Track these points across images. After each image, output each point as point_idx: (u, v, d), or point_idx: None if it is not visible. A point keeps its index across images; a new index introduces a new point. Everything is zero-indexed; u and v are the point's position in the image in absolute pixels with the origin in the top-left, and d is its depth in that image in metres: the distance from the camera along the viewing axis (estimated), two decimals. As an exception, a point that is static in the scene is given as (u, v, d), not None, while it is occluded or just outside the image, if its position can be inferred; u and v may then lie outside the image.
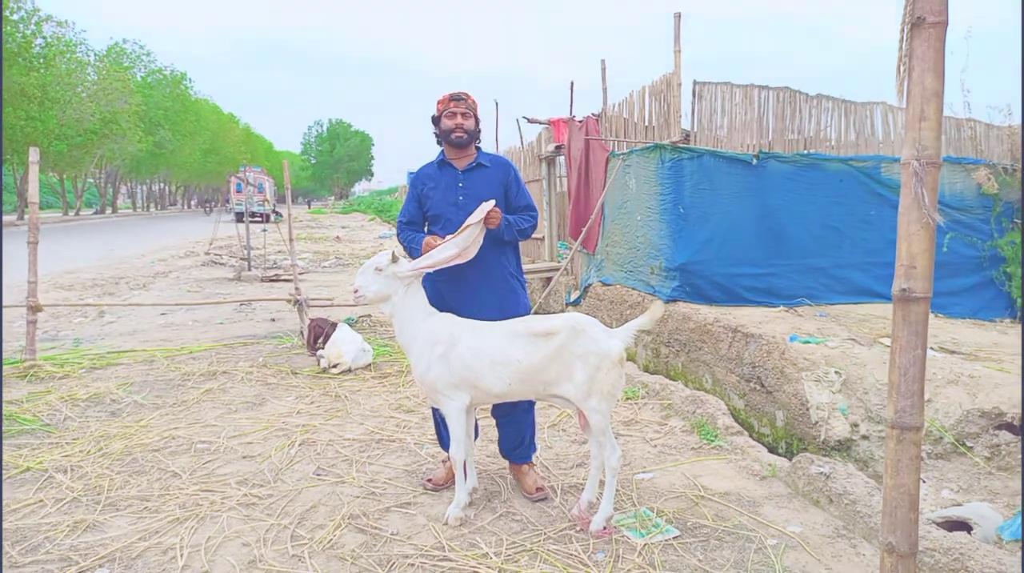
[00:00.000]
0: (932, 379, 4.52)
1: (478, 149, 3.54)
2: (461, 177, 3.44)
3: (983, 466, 4.20)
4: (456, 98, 3.44)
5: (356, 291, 3.22)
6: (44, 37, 30.85)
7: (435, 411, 3.58)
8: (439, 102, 3.48)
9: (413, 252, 3.41)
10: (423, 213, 3.52)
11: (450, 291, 3.41)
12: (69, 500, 3.47)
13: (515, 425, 3.58)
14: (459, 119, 3.41)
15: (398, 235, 3.55)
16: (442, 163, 3.50)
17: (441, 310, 3.35)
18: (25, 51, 28.54)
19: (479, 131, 3.51)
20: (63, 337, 7.49)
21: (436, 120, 3.48)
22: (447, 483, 3.58)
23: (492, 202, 3.22)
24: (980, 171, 7.19)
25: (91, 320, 8.58)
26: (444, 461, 3.69)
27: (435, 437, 4.38)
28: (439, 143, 3.52)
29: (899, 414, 2.08)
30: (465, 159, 3.49)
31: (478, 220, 3.14)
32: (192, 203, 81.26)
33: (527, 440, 3.62)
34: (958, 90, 8.14)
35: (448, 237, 3.22)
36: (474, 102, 3.50)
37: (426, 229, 3.56)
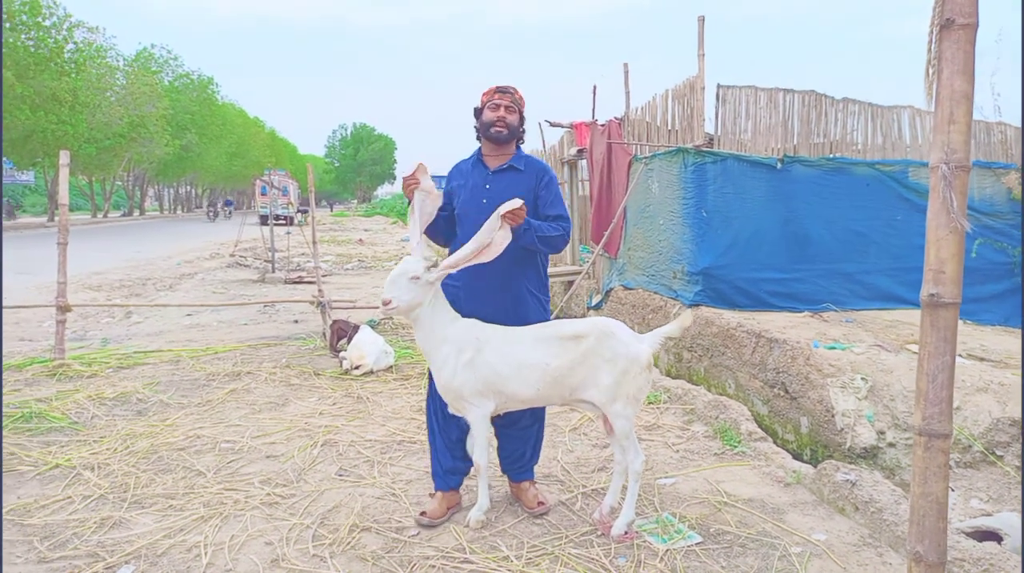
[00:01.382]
0: (961, 386, 4.45)
1: (518, 150, 3.34)
2: (490, 178, 3.26)
3: (1013, 476, 4.12)
4: (502, 90, 3.24)
5: (388, 303, 2.95)
6: (75, 42, 31.41)
7: (433, 437, 3.42)
8: (484, 93, 3.28)
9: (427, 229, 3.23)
10: (451, 209, 3.33)
11: (465, 305, 3.22)
12: (96, 497, 3.52)
13: (516, 438, 3.41)
14: (502, 112, 3.21)
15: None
16: (477, 161, 3.33)
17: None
18: (56, 56, 29.07)
19: (522, 130, 3.31)
20: (91, 337, 7.61)
21: (478, 112, 3.29)
22: (443, 517, 3.29)
23: (519, 201, 2.99)
24: (1010, 176, 7.07)
25: (118, 320, 8.71)
26: (432, 495, 3.41)
27: None
28: (478, 138, 3.34)
29: (927, 421, 2.05)
30: (500, 159, 3.29)
31: (499, 215, 2.96)
32: (205, 206, 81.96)
33: (528, 455, 3.44)
34: (988, 93, 8.04)
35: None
36: (521, 97, 3.29)
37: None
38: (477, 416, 3.10)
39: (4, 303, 6.48)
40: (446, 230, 3.35)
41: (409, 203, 3.10)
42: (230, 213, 50.52)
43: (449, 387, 3.09)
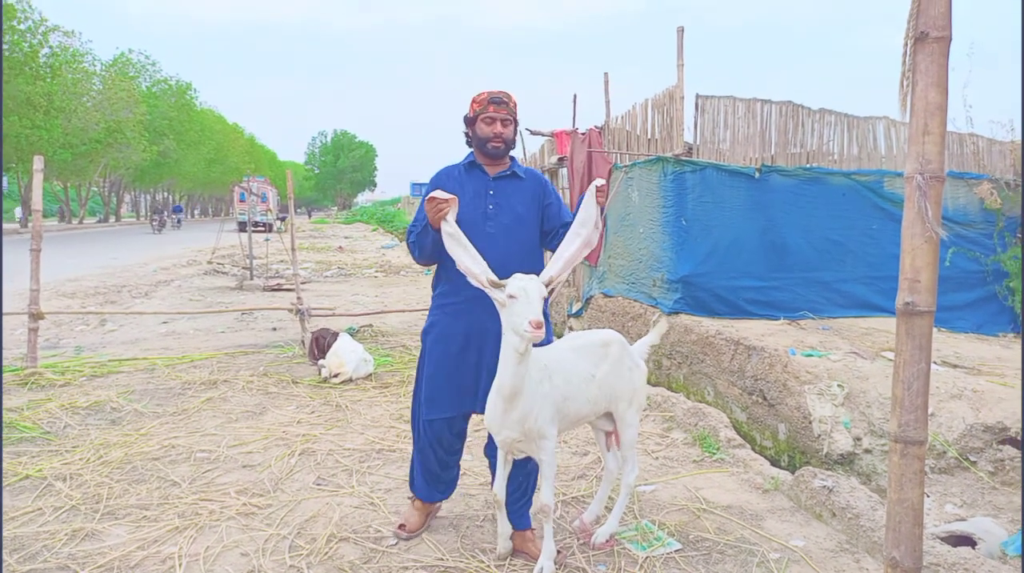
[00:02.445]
0: (935, 393, 4.50)
1: (511, 158, 3.15)
2: (492, 184, 3.03)
3: (987, 481, 4.18)
4: (496, 101, 2.98)
5: (540, 326, 2.43)
6: (51, 47, 31.07)
7: (421, 448, 3.15)
8: (475, 101, 3.03)
9: (418, 243, 2.97)
10: None
11: (479, 323, 2.94)
12: (68, 508, 3.45)
13: (522, 466, 3.03)
14: (498, 127, 2.98)
15: (408, 239, 3.07)
16: (471, 165, 3.07)
17: (460, 348, 2.97)
18: (31, 60, 28.73)
19: (515, 141, 3.10)
20: (64, 345, 7.49)
21: (470, 121, 3.05)
22: (420, 530, 3.20)
23: (602, 179, 2.80)
24: (983, 186, 7.20)
25: (93, 328, 8.58)
26: (411, 499, 3.29)
27: None
28: (469, 145, 3.11)
29: (903, 428, 2.07)
30: (498, 166, 3.08)
31: (593, 193, 2.72)
32: (196, 212, 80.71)
33: (531, 490, 3.11)
34: (961, 105, 8.16)
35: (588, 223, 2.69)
36: (515, 104, 3.05)
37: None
38: (551, 448, 2.76)
39: (-25, 310, 6.35)
40: (434, 248, 2.91)
41: (426, 226, 2.82)
42: (179, 221, 44.11)
43: (531, 429, 2.70)
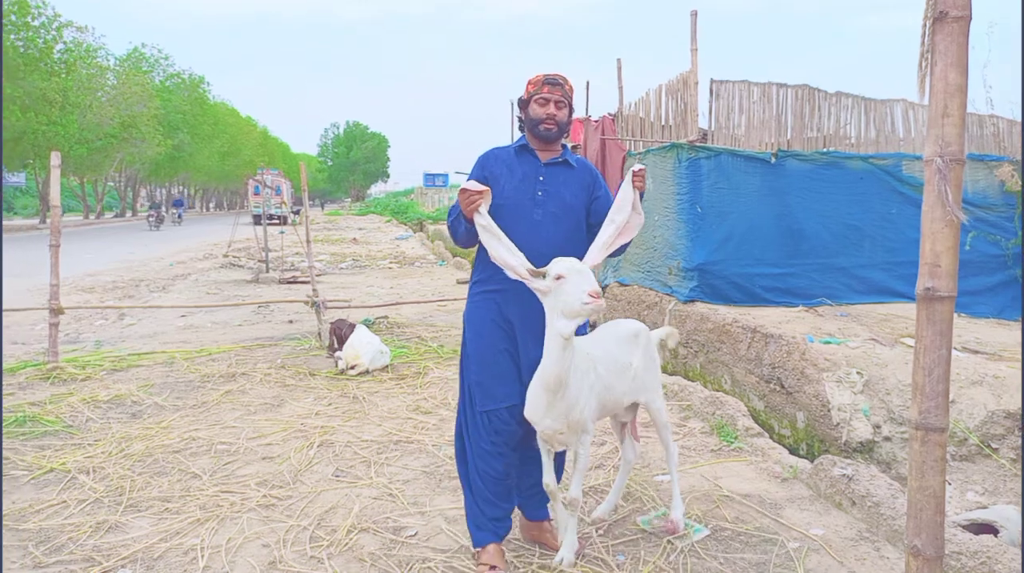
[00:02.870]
0: (956, 380, 4.46)
1: (563, 145, 3.04)
2: (543, 170, 2.90)
3: (1009, 468, 4.14)
4: (552, 82, 2.87)
5: (599, 294, 2.44)
6: (64, 42, 31.29)
7: (469, 480, 2.89)
8: (530, 82, 2.92)
9: (453, 226, 2.84)
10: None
11: (517, 310, 2.82)
12: (92, 501, 3.50)
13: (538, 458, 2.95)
14: (552, 108, 2.86)
15: (448, 220, 2.93)
16: (523, 148, 2.94)
17: (503, 335, 2.84)
18: (46, 56, 28.95)
19: (570, 126, 2.99)
20: (84, 339, 7.58)
21: (523, 104, 2.95)
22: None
23: (641, 165, 2.79)
24: (1003, 168, 7.09)
25: (112, 322, 8.67)
26: (477, 557, 2.87)
27: (453, 439, 4.36)
28: (521, 129, 3.00)
29: (924, 415, 2.05)
30: (550, 151, 2.96)
31: (629, 181, 2.73)
32: (211, 206, 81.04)
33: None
34: (980, 86, 8.06)
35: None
36: (571, 88, 2.94)
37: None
38: (589, 441, 2.77)
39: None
40: (468, 236, 2.80)
41: (459, 216, 2.75)
42: (180, 216, 39.66)
43: (575, 421, 2.66)
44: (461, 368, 2.99)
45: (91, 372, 5.95)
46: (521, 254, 2.61)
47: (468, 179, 2.84)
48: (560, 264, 2.53)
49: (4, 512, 3.34)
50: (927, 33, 2.06)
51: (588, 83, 10.28)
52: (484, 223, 2.64)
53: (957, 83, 2.01)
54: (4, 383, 5.52)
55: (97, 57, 35.59)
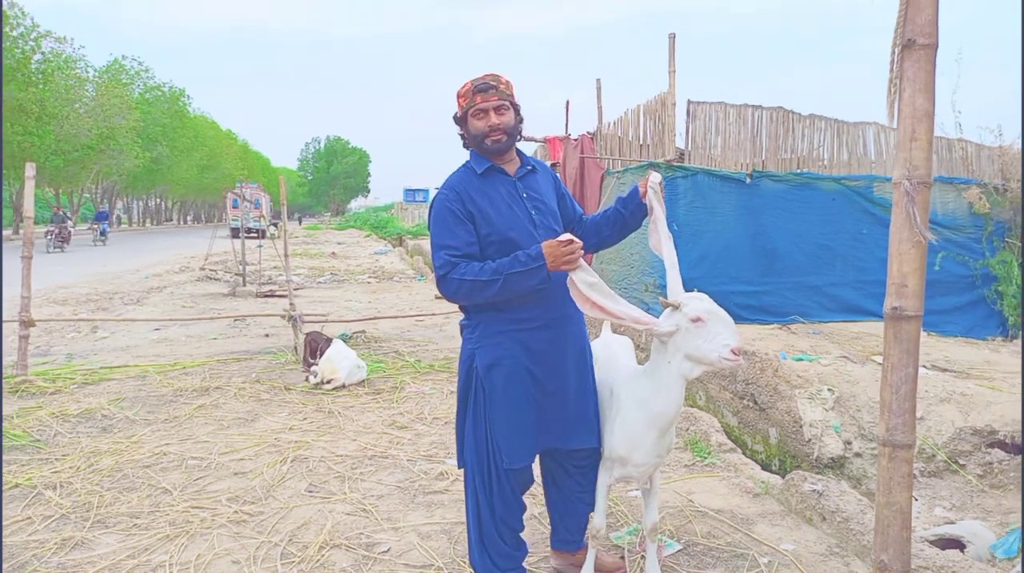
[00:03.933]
0: (925, 397, 4.53)
1: (517, 150, 2.68)
2: (519, 185, 2.59)
3: (976, 484, 4.20)
4: (483, 88, 2.48)
5: (740, 354, 2.35)
6: (43, 53, 31.00)
7: (479, 522, 2.62)
8: (459, 95, 2.55)
9: (504, 282, 2.36)
10: (482, 238, 2.51)
11: (543, 344, 2.53)
12: (58, 517, 3.44)
13: (583, 492, 2.80)
14: (492, 118, 2.48)
15: (450, 278, 2.43)
16: (489, 170, 2.57)
17: (530, 378, 2.54)
18: (23, 67, 28.67)
19: (521, 125, 2.61)
20: (55, 352, 7.46)
21: (460, 120, 2.58)
22: None
23: (659, 175, 2.59)
24: (972, 190, 7.26)
25: (84, 335, 8.55)
26: None
27: (430, 453, 4.37)
28: (466, 147, 2.64)
29: (891, 432, 2.08)
30: (513, 162, 2.63)
31: (656, 188, 2.60)
32: (188, 218, 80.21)
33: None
34: (949, 111, 8.23)
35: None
36: (508, 84, 2.54)
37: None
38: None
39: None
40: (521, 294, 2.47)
41: (536, 269, 2.34)
42: (103, 234, 28.83)
43: (669, 448, 2.66)
44: (471, 417, 2.60)
45: (61, 385, 5.86)
46: (631, 305, 2.43)
47: (445, 218, 2.50)
48: (699, 304, 2.36)
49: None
50: (896, 60, 2.12)
51: (568, 102, 10.37)
52: (592, 280, 2.36)
53: (924, 108, 2.06)
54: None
55: (76, 68, 35.27)
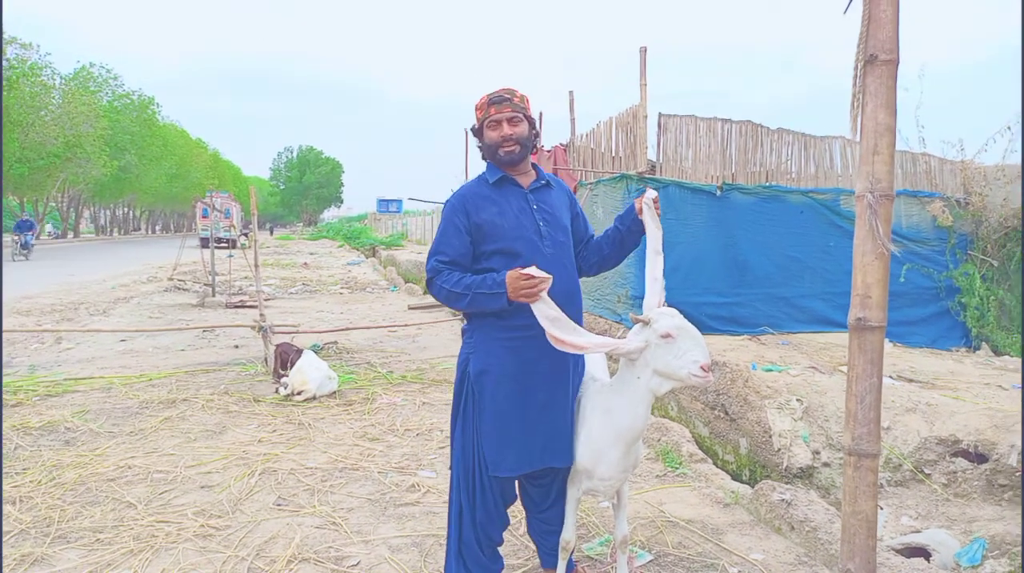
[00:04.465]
0: (891, 407, 4.60)
1: (534, 164, 2.75)
2: (531, 198, 2.63)
3: (941, 493, 4.27)
4: (497, 100, 2.57)
5: (710, 370, 2.35)
6: (7, 59, 30.44)
7: (458, 533, 2.64)
8: (477, 108, 2.65)
9: (472, 299, 2.44)
10: (475, 250, 2.56)
11: (534, 354, 2.52)
12: (17, 532, 3.35)
13: (559, 510, 2.82)
14: (505, 129, 2.56)
15: (435, 282, 2.53)
16: (501, 180, 2.63)
17: (519, 388, 2.55)
18: (-12, 73, 28.12)
19: (536, 138, 2.68)
20: (18, 364, 7.29)
21: (478, 132, 2.67)
22: None
23: (654, 191, 2.62)
24: (935, 204, 7.42)
25: (48, 346, 8.36)
26: None
27: (401, 465, 4.33)
28: (484, 158, 2.71)
29: (856, 441, 2.11)
30: (528, 175, 2.69)
31: (653, 206, 2.61)
32: (157, 228, 79.02)
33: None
34: (913, 126, 8.42)
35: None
36: (522, 99, 2.63)
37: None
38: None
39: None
40: (494, 308, 2.50)
41: (497, 295, 2.40)
42: (26, 246, 23.93)
43: (636, 463, 2.68)
44: (461, 422, 2.63)
45: (23, 397, 5.73)
46: (594, 335, 2.42)
47: (446, 226, 2.57)
48: (668, 321, 2.36)
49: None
50: (859, 75, 2.16)
51: (541, 114, 10.42)
52: (554, 315, 2.36)
53: (886, 123, 2.11)
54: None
55: (42, 75, 34.67)
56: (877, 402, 2.13)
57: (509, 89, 2.61)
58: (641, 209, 2.62)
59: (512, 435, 2.52)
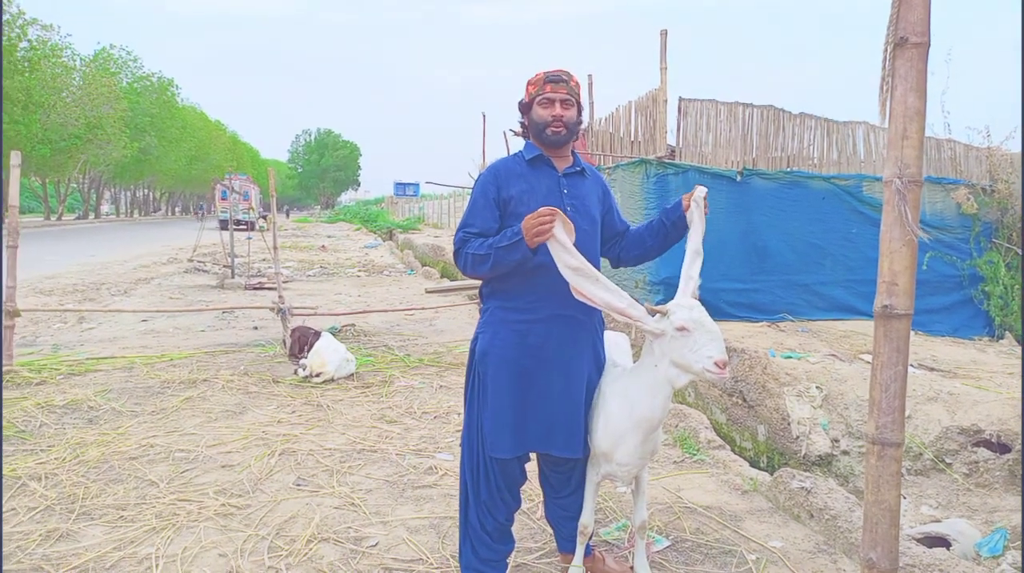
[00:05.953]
0: (912, 396, 4.56)
1: (573, 151, 2.73)
2: (563, 182, 2.61)
3: (962, 483, 4.23)
4: (555, 79, 2.55)
5: (727, 365, 2.34)
6: (29, 40, 30.70)
7: (465, 516, 2.67)
8: (530, 83, 2.61)
9: (495, 257, 2.40)
10: (501, 225, 2.53)
11: (540, 339, 2.53)
12: (42, 508, 3.40)
13: (577, 495, 2.83)
14: (558, 108, 2.54)
15: (462, 252, 2.51)
16: (536, 159, 2.61)
17: (521, 372, 2.53)
18: (9, 54, 28.37)
19: (580, 125, 2.66)
20: (41, 343, 7.39)
21: (526, 107, 2.63)
22: None
23: (704, 189, 2.62)
24: (960, 191, 7.30)
25: (70, 326, 8.47)
26: None
27: (419, 448, 4.36)
28: (525, 137, 2.69)
29: (880, 430, 2.09)
30: (565, 159, 2.67)
31: (699, 205, 2.60)
32: (177, 209, 79.71)
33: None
34: (938, 111, 8.28)
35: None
36: (577, 84, 2.62)
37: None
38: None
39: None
40: (518, 269, 2.49)
41: (517, 243, 2.34)
42: None
43: (656, 449, 2.68)
44: (468, 402, 2.66)
45: (47, 376, 5.81)
46: (624, 293, 2.39)
47: (476, 199, 2.56)
48: (685, 313, 2.34)
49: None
50: (888, 58, 2.12)
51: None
52: (575, 264, 2.30)
53: (916, 107, 2.07)
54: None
55: (63, 56, 34.92)
56: (902, 391, 2.10)
57: (566, 71, 2.59)
58: (688, 206, 2.61)
59: (508, 416, 2.52)
